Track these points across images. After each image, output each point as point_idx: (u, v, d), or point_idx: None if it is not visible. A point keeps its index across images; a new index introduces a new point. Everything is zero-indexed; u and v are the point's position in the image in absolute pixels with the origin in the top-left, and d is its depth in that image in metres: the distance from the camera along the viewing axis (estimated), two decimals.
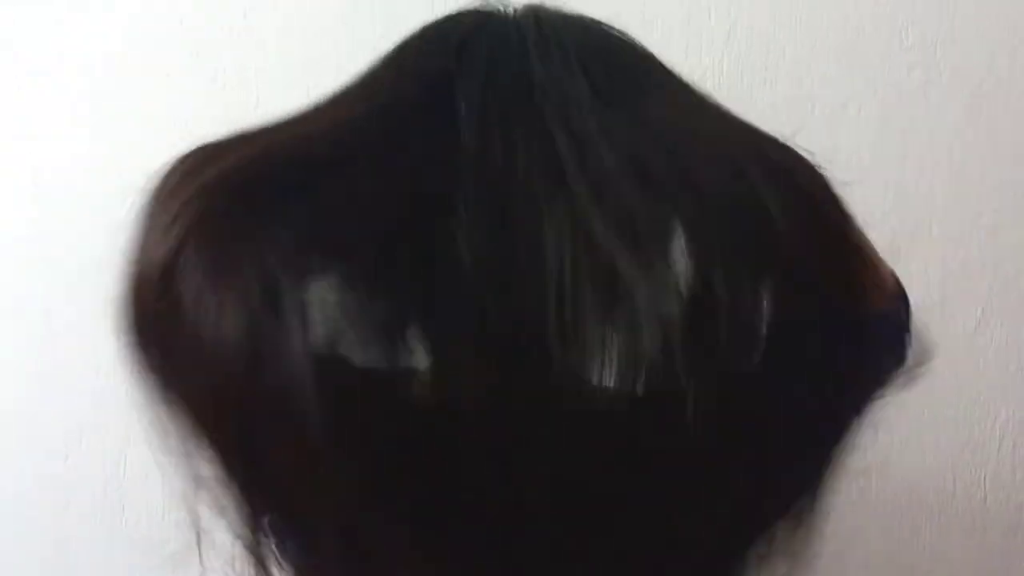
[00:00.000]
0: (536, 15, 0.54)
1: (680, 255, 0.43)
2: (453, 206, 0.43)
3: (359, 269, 0.43)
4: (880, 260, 0.59)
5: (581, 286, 0.42)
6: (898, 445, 1.09)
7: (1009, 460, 1.10)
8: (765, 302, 0.44)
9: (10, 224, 1.13)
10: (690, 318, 0.42)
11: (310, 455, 0.43)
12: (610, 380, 0.42)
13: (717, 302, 0.43)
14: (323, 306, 0.42)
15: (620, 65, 0.54)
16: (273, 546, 0.50)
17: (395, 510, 0.45)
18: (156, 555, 0.99)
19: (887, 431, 1.09)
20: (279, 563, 0.50)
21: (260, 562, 0.49)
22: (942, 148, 1.06)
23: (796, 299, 0.46)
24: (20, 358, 1.13)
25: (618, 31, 0.57)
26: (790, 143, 0.53)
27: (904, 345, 0.61)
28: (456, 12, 0.54)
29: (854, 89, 1.07)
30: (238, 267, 0.43)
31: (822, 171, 0.53)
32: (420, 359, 0.43)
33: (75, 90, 1.11)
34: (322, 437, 0.42)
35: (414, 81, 0.51)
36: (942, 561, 1.10)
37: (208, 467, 0.48)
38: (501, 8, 0.55)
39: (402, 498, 0.45)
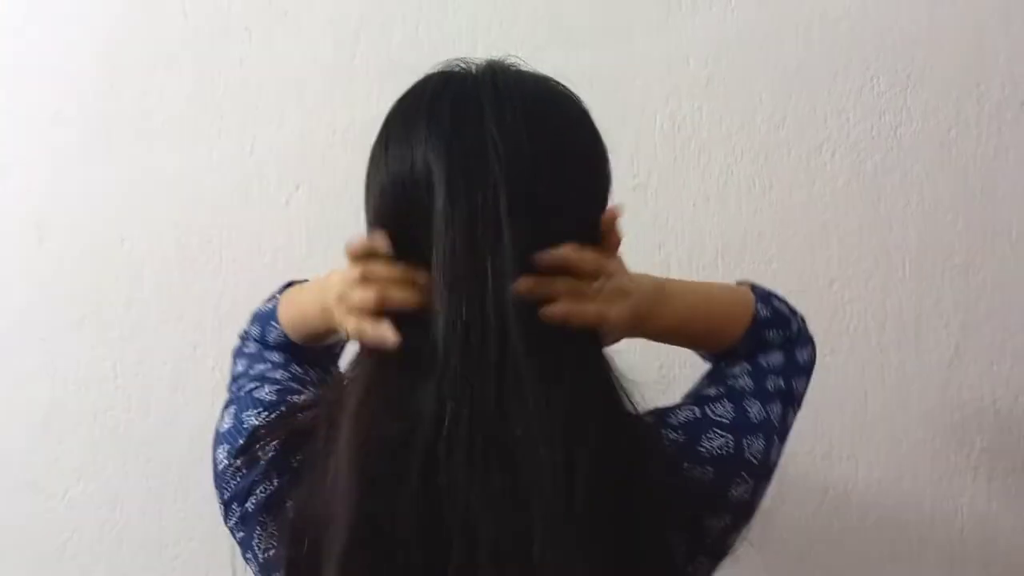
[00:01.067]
0: (493, 74, 0.59)
1: None
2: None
3: None
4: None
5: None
6: (878, 476, 1.12)
7: (985, 490, 1.13)
8: None
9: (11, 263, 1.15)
10: None
11: None
12: None
13: None
14: None
15: (555, 124, 0.60)
16: None
17: None
18: None
19: (867, 463, 1.12)
20: None
21: None
22: (914, 189, 1.11)
23: None
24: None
25: (563, 87, 0.63)
26: None
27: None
28: (424, 76, 0.61)
29: (828, 133, 1.11)
30: None
31: None
32: None
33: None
34: None
35: (397, 151, 0.58)
36: None
37: None
38: (462, 67, 0.60)
39: None
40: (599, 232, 0.59)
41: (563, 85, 0.63)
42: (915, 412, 1.13)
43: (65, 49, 1.12)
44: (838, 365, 1.11)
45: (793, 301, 1.13)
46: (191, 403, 1.13)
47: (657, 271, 1.10)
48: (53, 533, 1.15)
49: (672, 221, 1.12)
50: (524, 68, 0.62)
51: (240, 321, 1.11)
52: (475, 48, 1.12)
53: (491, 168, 0.54)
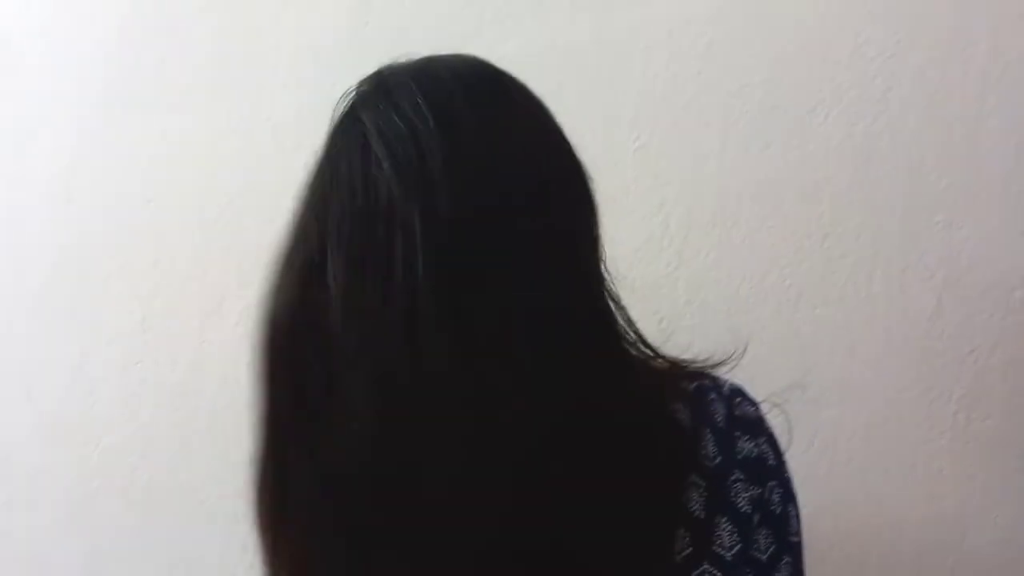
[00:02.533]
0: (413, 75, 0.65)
1: None
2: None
3: None
4: None
5: None
6: (863, 420, 1.19)
7: (963, 433, 1.20)
8: None
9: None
10: None
11: None
12: None
13: None
14: None
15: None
16: None
17: None
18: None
19: (853, 408, 1.19)
20: None
21: None
22: (902, 150, 1.16)
23: None
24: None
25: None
26: None
27: None
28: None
29: (821, 97, 1.16)
30: None
31: None
32: None
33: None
34: None
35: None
36: (904, 524, 1.20)
37: None
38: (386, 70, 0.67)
39: None
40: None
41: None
42: (899, 360, 1.19)
43: (88, 17, 1.16)
44: (828, 316, 1.18)
45: (788, 257, 1.20)
46: (216, 355, 1.18)
47: (657, 231, 1.17)
48: (86, 479, 1.21)
49: (672, 181, 1.17)
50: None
51: (260, 277, 1.17)
52: (482, 13, 1.17)
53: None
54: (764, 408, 0.72)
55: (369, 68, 1.16)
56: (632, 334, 0.65)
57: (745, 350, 1.17)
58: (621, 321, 0.65)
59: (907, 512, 1.21)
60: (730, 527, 0.63)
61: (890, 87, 1.16)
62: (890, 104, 1.16)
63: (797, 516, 0.69)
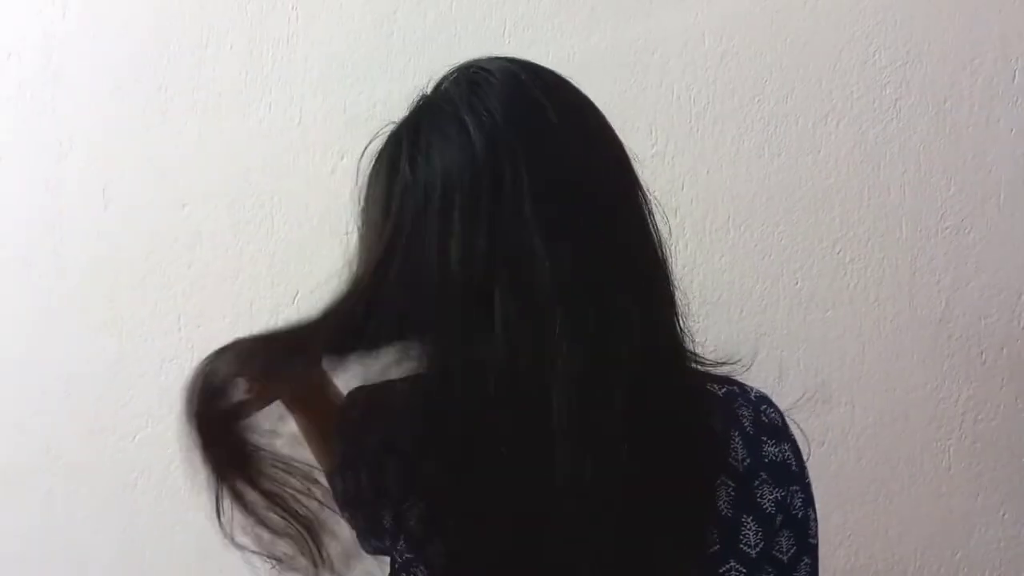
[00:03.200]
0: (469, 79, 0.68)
1: None
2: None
3: None
4: None
5: None
6: (873, 420, 1.23)
7: (971, 433, 1.23)
8: None
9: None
10: None
11: None
12: None
13: None
14: None
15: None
16: None
17: None
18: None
19: (863, 408, 1.22)
20: None
21: None
22: (911, 157, 1.19)
23: None
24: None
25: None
26: None
27: None
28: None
29: (833, 105, 1.19)
30: None
31: None
32: None
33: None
34: None
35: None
36: (913, 520, 1.23)
37: None
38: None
39: None
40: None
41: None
42: (908, 362, 1.22)
43: (123, 28, 1.21)
44: (839, 319, 1.21)
45: (799, 261, 1.23)
46: None
47: (674, 234, 1.20)
48: (124, 471, 1.26)
49: (687, 187, 1.21)
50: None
51: (291, 279, 1.22)
52: (504, 24, 1.21)
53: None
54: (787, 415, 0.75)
55: (394, 75, 1.21)
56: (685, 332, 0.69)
57: (758, 351, 1.22)
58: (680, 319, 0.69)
59: (915, 509, 1.24)
60: (755, 526, 0.67)
61: (900, 96, 1.19)
62: (900, 112, 1.19)
63: (815, 519, 0.72)
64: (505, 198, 0.62)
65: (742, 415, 0.69)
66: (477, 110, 0.65)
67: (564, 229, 0.62)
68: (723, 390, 0.71)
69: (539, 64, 0.70)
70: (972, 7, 1.17)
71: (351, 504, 0.73)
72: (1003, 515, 1.24)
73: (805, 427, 1.22)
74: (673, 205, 1.21)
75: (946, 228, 1.20)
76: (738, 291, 1.21)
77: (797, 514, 0.70)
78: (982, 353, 1.22)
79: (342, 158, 1.22)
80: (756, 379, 1.21)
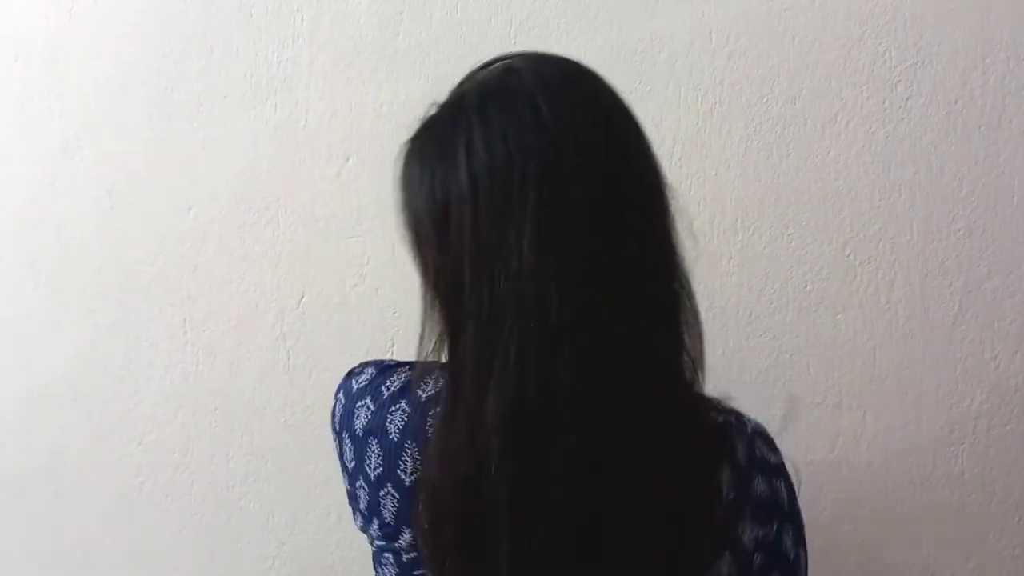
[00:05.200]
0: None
1: None
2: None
3: None
4: None
5: None
6: (884, 425, 1.21)
7: (984, 438, 1.21)
8: None
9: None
10: None
11: None
12: None
13: None
14: None
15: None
16: None
17: None
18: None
19: (875, 413, 1.21)
20: None
21: None
22: (922, 158, 1.18)
23: None
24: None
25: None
26: None
27: None
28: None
29: (843, 104, 1.18)
30: None
31: None
32: None
33: None
34: None
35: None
36: (925, 526, 1.22)
37: None
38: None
39: None
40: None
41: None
42: (920, 366, 1.21)
43: (130, 31, 1.21)
44: (849, 322, 1.20)
45: (809, 263, 1.22)
46: (253, 356, 1.23)
47: (681, 235, 1.19)
48: (130, 475, 1.26)
49: (695, 188, 1.20)
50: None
51: (296, 281, 1.22)
52: (509, 25, 1.20)
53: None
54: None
55: (400, 77, 1.21)
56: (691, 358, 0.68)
57: (767, 355, 1.21)
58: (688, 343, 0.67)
59: (928, 515, 1.22)
60: (731, 560, 0.66)
61: (911, 95, 1.17)
62: (911, 112, 1.17)
63: (807, 561, 0.71)
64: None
65: (735, 447, 0.69)
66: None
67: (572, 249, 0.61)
68: (721, 419, 0.70)
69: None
70: (983, 5, 1.15)
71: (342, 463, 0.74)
72: (1018, 520, 1.22)
73: (815, 433, 1.22)
74: (680, 206, 1.20)
75: (958, 230, 1.18)
76: (746, 294, 1.20)
77: (789, 554, 0.69)
78: (995, 357, 1.20)
79: (347, 160, 1.22)
80: (765, 384, 1.20)
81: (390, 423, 0.69)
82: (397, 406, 0.70)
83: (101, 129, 1.22)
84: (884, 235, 1.19)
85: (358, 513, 0.73)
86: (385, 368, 0.73)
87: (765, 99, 1.18)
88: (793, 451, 1.20)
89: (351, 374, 0.75)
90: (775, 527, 0.68)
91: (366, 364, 0.75)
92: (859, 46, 1.17)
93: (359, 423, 0.71)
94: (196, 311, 1.23)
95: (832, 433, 1.22)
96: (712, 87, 1.19)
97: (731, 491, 0.67)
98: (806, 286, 1.20)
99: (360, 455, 0.71)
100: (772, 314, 1.20)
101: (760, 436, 0.71)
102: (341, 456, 0.73)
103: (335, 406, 0.74)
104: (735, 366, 1.20)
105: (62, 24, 1.21)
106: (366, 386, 0.72)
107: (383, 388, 0.71)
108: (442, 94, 0.69)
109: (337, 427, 0.74)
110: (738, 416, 0.71)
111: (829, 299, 1.20)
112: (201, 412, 1.24)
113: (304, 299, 1.23)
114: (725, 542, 0.66)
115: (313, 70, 1.21)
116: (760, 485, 0.68)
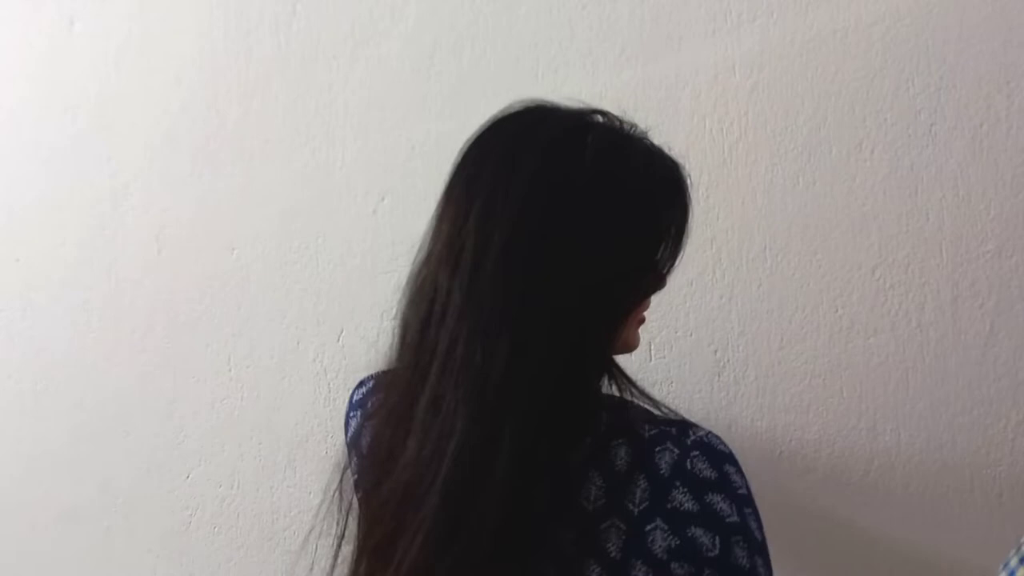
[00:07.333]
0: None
1: None
2: None
3: None
4: None
5: None
6: (920, 447, 1.21)
7: (1022, 459, 1.21)
8: None
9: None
10: None
11: None
12: None
13: None
14: None
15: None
16: None
17: None
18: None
19: (909, 435, 1.21)
20: None
21: None
22: (948, 182, 1.19)
23: None
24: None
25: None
26: None
27: None
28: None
29: (867, 132, 1.19)
30: None
31: None
32: None
33: None
34: None
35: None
36: (965, 550, 1.21)
37: None
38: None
39: None
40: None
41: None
42: (953, 387, 1.21)
43: (174, 82, 1.27)
44: (881, 345, 1.20)
45: (838, 288, 1.23)
46: (296, 390, 1.26)
47: (709, 264, 1.21)
48: (178, 509, 1.30)
49: (722, 217, 1.22)
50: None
51: (335, 316, 1.25)
52: (537, 64, 1.24)
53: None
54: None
55: (431, 118, 1.25)
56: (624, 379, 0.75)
57: (799, 380, 1.22)
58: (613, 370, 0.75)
59: (967, 539, 1.21)
60: (645, 569, 0.68)
61: (935, 121, 1.18)
62: (936, 137, 1.18)
63: (766, 565, 0.71)
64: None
65: (659, 459, 0.69)
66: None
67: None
68: (654, 431, 0.71)
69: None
70: (1005, 29, 1.17)
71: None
72: None
73: (850, 456, 1.22)
74: (709, 235, 1.22)
75: (987, 252, 1.19)
76: (777, 320, 1.21)
77: (743, 564, 0.69)
78: None
79: (382, 199, 1.25)
80: (798, 409, 1.21)
81: (362, 436, 0.77)
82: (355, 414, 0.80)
83: (148, 177, 1.28)
84: (913, 258, 1.19)
85: None
86: (380, 379, 0.81)
87: (789, 129, 1.20)
88: (827, 475, 1.21)
89: (357, 385, 0.82)
90: (716, 540, 0.68)
91: (371, 376, 0.80)
92: (881, 74, 1.19)
93: (350, 433, 0.79)
94: (240, 348, 1.27)
95: (867, 457, 1.22)
96: (737, 119, 1.21)
97: (644, 501, 0.68)
98: (837, 311, 1.21)
99: (351, 464, 0.78)
100: (803, 339, 1.21)
101: (701, 448, 0.71)
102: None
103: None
104: (767, 391, 1.21)
105: (110, 77, 1.27)
106: (360, 399, 0.80)
107: (369, 401, 0.79)
108: (472, 134, 0.77)
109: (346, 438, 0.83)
110: (682, 428, 0.72)
111: (860, 323, 1.21)
112: (246, 446, 1.28)
113: (343, 334, 1.26)
114: (637, 552, 0.68)
115: (348, 113, 1.25)
116: (680, 497, 0.69)
